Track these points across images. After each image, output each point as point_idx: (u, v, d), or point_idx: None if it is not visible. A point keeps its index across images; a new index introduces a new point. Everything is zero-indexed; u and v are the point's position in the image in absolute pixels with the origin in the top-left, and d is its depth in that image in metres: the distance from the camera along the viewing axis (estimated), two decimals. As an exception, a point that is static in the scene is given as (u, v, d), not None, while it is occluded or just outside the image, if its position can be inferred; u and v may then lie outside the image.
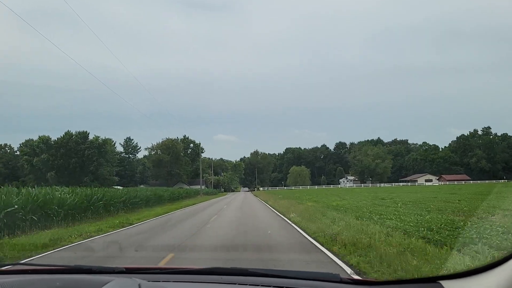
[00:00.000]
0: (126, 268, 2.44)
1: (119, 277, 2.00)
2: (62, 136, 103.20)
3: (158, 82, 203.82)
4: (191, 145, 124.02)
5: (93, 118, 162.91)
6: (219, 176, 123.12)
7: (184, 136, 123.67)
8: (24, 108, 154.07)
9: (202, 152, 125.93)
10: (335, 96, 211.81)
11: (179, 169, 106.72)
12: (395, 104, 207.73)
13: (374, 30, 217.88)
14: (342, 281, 2.14)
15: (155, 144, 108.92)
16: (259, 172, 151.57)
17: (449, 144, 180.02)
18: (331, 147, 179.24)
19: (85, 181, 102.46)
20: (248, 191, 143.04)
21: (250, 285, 2.11)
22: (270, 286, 2.08)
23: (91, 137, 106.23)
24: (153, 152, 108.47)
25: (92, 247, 11.91)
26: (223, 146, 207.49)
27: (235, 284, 2.15)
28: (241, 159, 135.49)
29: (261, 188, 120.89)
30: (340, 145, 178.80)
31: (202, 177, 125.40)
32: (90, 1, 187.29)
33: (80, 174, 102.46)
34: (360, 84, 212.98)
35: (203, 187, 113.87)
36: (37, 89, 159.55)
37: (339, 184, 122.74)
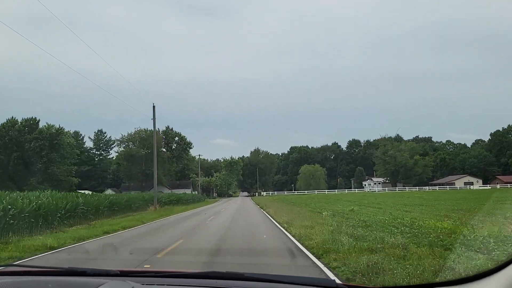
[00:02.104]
0: (120, 271, 2.29)
1: (113, 280, 1.95)
2: (2, 123, 75.70)
3: (156, 86, 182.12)
4: (176, 138, 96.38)
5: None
6: (210, 178, 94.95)
7: (167, 127, 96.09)
8: None
9: (190, 148, 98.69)
10: (339, 97, 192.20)
11: (157, 168, 78.90)
12: (399, 105, 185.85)
13: (373, 34, 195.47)
14: (338, 287, 2.03)
15: (126, 134, 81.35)
16: (260, 174, 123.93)
17: (475, 141, 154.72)
18: (343, 145, 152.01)
19: (31, 183, 75.36)
20: (248, 196, 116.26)
21: None
22: None
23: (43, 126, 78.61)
24: (123, 146, 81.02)
25: None
26: (221, 150, 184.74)
27: None
28: (239, 158, 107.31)
29: (264, 193, 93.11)
30: (354, 143, 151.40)
31: (190, 178, 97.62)
32: (89, 5, 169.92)
33: (25, 174, 75.04)
34: (363, 85, 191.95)
35: (187, 191, 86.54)
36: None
37: (363, 187, 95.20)
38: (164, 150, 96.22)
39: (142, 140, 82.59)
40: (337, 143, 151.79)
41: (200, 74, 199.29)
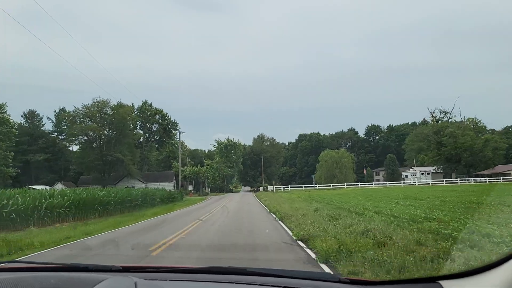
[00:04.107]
0: (122, 266, 2.26)
1: (115, 275, 1.92)
2: None
3: (156, 82, 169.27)
4: (157, 117, 71.58)
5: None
6: (199, 168, 69.52)
7: (145, 102, 71.26)
8: None
9: (175, 129, 73.94)
10: (347, 92, 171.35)
11: (123, 154, 54.57)
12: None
13: (373, 28, 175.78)
14: (340, 281, 1.97)
15: (81, 106, 56.68)
16: (265, 165, 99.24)
17: (504, 128, 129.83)
18: (361, 132, 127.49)
19: None
20: (250, 191, 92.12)
21: (247, 284, 1.95)
22: (268, 285, 1.92)
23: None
24: (75, 122, 56.37)
25: None
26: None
27: (233, 283, 1.97)
28: (239, 142, 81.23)
29: (272, 187, 68.37)
30: (373, 129, 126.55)
31: (172, 168, 71.62)
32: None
33: None
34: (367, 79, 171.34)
35: (167, 185, 62.02)
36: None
37: (404, 179, 70.01)
38: (140, 131, 71.73)
39: (108, 117, 58.01)
40: (353, 129, 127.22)
41: (199, 70, 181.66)
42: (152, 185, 58.79)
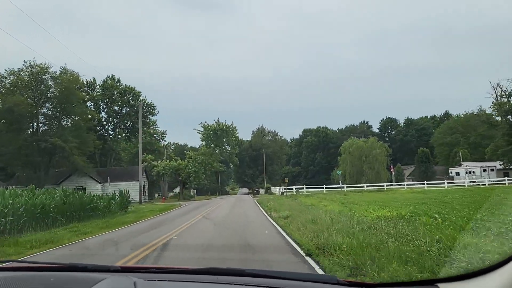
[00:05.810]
0: (121, 267, 2.26)
1: (114, 275, 1.92)
2: None
3: (155, 82, 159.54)
4: (127, 97, 53.45)
5: None
6: (178, 162, 49.72)
7: (110, 76, 53.07)
8: None
9: (153, 114, 56.06)
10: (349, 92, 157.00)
11: (64, 140, 36.47)
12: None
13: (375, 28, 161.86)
14: (339, 283, 1.93)
15: (6, 72, 38.66)
16: (267, 163, 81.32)
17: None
18: (375, 126, 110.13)
19: None
20: (248, 193, 75.06)
21: (246, 285, 1.93)
22: (266, 287, 1.90)
23: None
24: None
25: None
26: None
27: (231, 284, 1.95)
28: (233, 125, 60.48)
29: (281, 189, 50.00)
30: (389, 122, 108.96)
31: (143, 163, 51.33)
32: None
33: None
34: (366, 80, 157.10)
35: (134, 185, 44.08)
36: None
37: (453, 177, 51.42)
38: (105, 115, 53.76)
39: (46, 89, 40.07)
40: (367, 123, 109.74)
41: (199, 70, 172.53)
42: (113, 185, 40.94)
